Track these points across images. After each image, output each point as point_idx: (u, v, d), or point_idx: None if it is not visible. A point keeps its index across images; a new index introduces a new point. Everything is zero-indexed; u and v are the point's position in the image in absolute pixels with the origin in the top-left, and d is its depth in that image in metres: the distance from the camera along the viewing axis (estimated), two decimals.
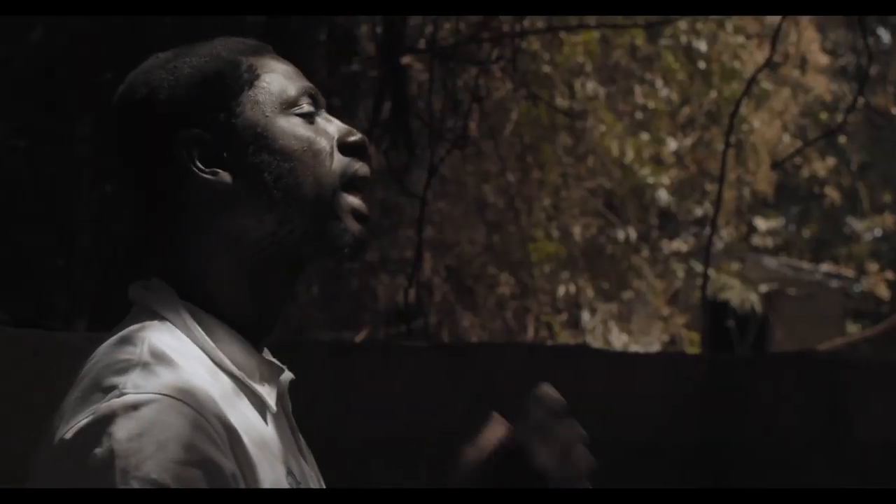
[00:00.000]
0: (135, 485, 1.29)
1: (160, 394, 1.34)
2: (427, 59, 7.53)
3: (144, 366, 1.37)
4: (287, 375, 1.59)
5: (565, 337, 11.08)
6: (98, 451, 1.30)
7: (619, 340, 11.75)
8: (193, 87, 1.52)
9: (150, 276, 1.55)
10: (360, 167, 1.56)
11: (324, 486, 1.64)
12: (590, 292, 11.64)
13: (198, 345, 1.46)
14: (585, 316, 11.79)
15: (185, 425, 1.33)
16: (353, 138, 1.56)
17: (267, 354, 1.59)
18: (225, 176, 1.50)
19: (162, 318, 1.47)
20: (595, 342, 11.24)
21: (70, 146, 6.30)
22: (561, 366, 5.14)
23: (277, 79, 1.55)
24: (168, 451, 1.30)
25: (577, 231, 11.25)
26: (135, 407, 1.32)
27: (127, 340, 1.43)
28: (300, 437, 1.63)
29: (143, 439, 1.30)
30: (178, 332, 1.46)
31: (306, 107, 1.55)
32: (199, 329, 1.47)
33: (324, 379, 5.02)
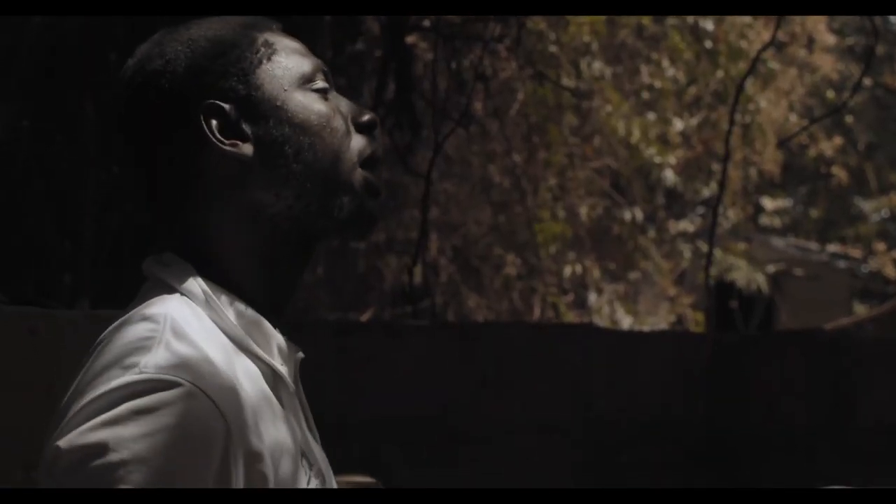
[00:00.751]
0: (124, 454, 1.28)
1: (181, 379, 1.32)
2: (432, 39, 7.51)
3: (167, 345, 1.35)
4: (300, 355, 1.58)
5: (571, 318, 11.08)
6: (104, 415, 1.29)
7: (625, 321, 11.75)
8: (213, 59, 1.50)
9: (161, 251, 1.52)
10: (377, 147, 1.55)
11: (328, 466, 1.61)
12: (596, 273, 11.64)
13: (217, 323, 1.44)
14: (592, 296, 11.78)
15: (197, 416, 1.31)
16: (366, 117, 1.55)
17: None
18: (246, 148, 1.48)
19: (181, 295, 1.44)
20: (601, 323, 11.24)
21: (75, 127, 6.29)
22: (566, 345, 5.14)
23: (293, 54, 1.53)
24: (168, 437, 1.29)
25: (583, 211, 11.23)
26: (153, 387, 1.30)
27: (148, 318, 1.40)
28: (310, 416, 1.61)
29: (149, 417, 1.29)
30: (198, 309, 1.43)
31: (321, 83, 1.53)
32: (219, 306, 1.45)
33: (329, 359, 5.02)
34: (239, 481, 1.34)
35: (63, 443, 1.31)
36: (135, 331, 1.39)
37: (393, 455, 4.86)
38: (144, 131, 1.51)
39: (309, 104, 1.51)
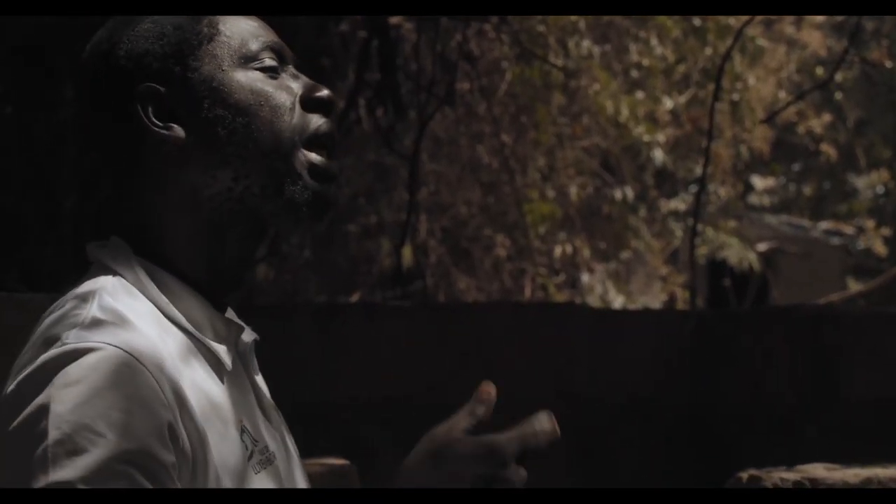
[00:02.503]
0: (66, 429, 1.27)
1: (104, 342, 1.32)
2: (416, 18, 7.49)
3: (93, 320, 1.36)
4: (250, 335, 1.57)
5: (562, 298, 11.07)
6: (37, 399, 1.29)
7: (616, 301, 11.75)
8: (151, 42, 1.50)
9: (108, 235, 1.53)
10: (323, 123, 1.52)
11: (291, 446, 1.62)
12: (587, 252, 11.63)
13: (151, 300, 1.44)
14: (584, 277, 11.78)
15: (124, 373, 1.31)
16: (317, 94, 1.53)
17: (230, 314, 1.57)
18: (178, 131, 1.48)
19: (116, 275, 1.45)
20: (593, 303, 11.23)
21: (57, 112, 6.28)
22: (548, 324, 5.13)
23: (238, 33, 1.52)
24: (105, 399, 1.28)
25: (573, 191, 11.22)
26: (75, 355, 1.31)
27: (79, 297, 1.41)
28: (264, 395, 1.60)
29: (80, 385, 1.28)
30: (132, 288, 1.44)
31: (268, 61, 1.52)
32: (153, 284, 1.45)
33: (312, 340, 5.02)
34: (180, 426, 1.35)
35: (4, 434, 1.31)
36: (63, 309, 1.40)
37: (374, 435, 4.85)
38: (92, 114, 1.52)
39: (247, 83, 1.49)
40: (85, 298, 1.40)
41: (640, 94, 11.52)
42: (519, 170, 10.78)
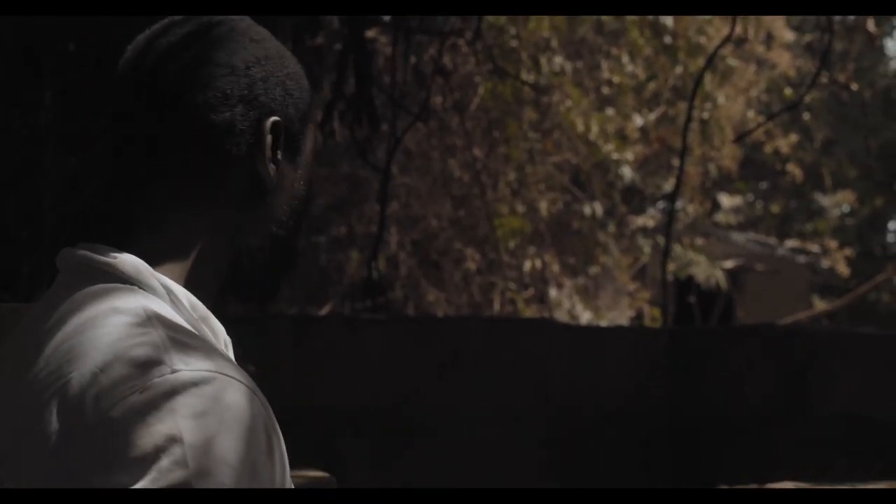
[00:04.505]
0: (205, 462, 1.24)
1: (214, 371, 1.29)
2: (391, 33, 7.52)
3: (173, 341, 1.32)
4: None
5: (531, 313, 11.11)
6: (161, 427, 1.24)
7: (584, 316, 11.79)
8: (296, 89, 1.49)
9: (92, 241, 1.47)
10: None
11: None
12: (556, 267, 11.68)
13: (182, 316, 1.41)
14: (552, 291, 11.83)
15: (244, 405, 1.29)
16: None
17: None
18: (275, 175, 1.48)
19: (144, 289, 1.40)
20: (561, 318, 11.28)
21: (34, 114, 6.27)
22: (525, 338, 5.17)
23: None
24: (234, 432, 1.26)
25: (543, 206, 11.28)
26: (195, 384, 1.27)
27: (126, 312, 1.35)
28: None
29: (208, 418, 1.26)
30: (164, 304, 1.40)
31: None
32: (182, 301, 1.42)
33: (287, 351, 5.03)
34: (284, 455, 1.35)
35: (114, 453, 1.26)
36: (117, 325, 1.34)
37: (349, 446, 4.87)
38: (172, 126, 1.46)
39: (299, 186, 1.54)
40: (138, 314, 1.35)
41: (610, 111, 11.59)
42: (490, 184, 10.83)
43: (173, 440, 1.25)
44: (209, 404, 1.27)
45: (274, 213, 1.49)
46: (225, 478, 1.25)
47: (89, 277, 1.41)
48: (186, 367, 1.29)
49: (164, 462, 1.24)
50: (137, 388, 1.27)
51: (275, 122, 1.46)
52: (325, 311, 10.50)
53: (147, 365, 1.29)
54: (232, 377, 1.30)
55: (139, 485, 1.24)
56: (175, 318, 1.37)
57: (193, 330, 1.40)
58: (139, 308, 1.36)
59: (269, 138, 1.46)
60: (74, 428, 1.28)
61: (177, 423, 1.25)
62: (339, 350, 5.07)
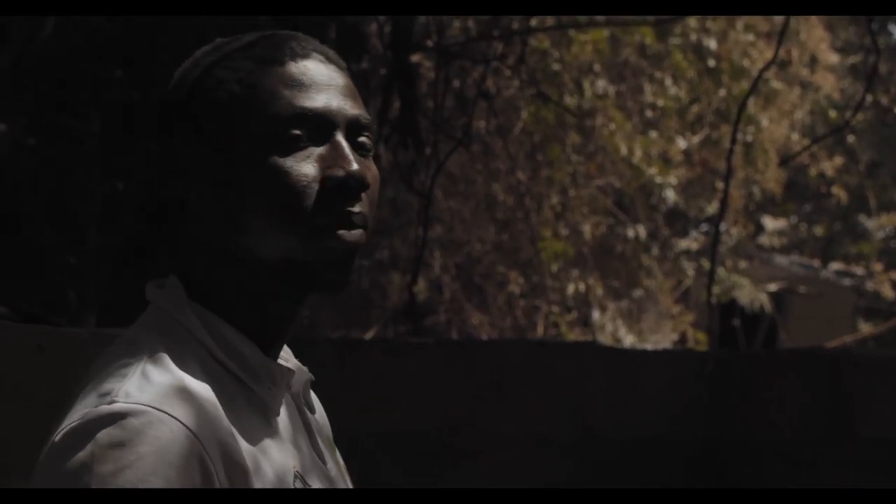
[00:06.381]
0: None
1: (148, 405, 1.33)
2: (435, 58, 7.56)
3: (142, 372, 1.37)
4: (303, 375, 1.58)
5: (574, 336, 11.10)
6: (80, 454, 1.31)
7: (627, 339, 11.77)
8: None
9: (166, 273, 1.52)
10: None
11: (347, 482, 1.63)
12: (599, 290, 11.66)
13: (206, 348, 1.44)
14: (595, 314, 11.81)
15: (169, 441, 1.32)
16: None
17: (284, 357, 1.58)
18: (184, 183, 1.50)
19: (170, 319, 1.46)
20: (604, 341, 11.26)
21: (79, 144, 6.33)
22: (566, 362, 5.16)
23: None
24: (146, 464, 1.30)
25: (586, 229, 11.27)
26: (121, 416, 1.32)
27: (132, 343, 1.43)
28: (321, 433, 1.61)
29: (123, 449, 1.30)
30: (185, 335, 1.44)
31: None
32: (205, 331, 1.45)
33: (332, 376, 5.05)
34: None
35: (43, 477, 1.35)
36: (119, 357, 1.42)
37: (393, 472, 4.88)
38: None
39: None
40: (140, 347, 1.41)
41: (653, 134, 11.58)
42: (533, 207, 10.84)
43: (86, 468, 1.30)
44: (128, 436, 1.31)
45: (246, 216, 1.45)
46: None
47: (150, 310, 1.49)
48: (125, 399, 1.34)
49: (75, 486, 1.30)
50: (81, 416, 1.35)
51: (161, 104, 1.52)
52: (369, 334, 10.52)
53: (104, 395, 1.36)
54: (167, 413, 1.33)
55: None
56: (175, 351, 1.41)
57: (214, 359, 1.44)
58: (144, 341, 1.43)
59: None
60: (45, 449, 1.37)
61: (93, 451, 1.31)
62: (383, 374, 5.08)
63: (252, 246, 1.46)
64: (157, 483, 1.30)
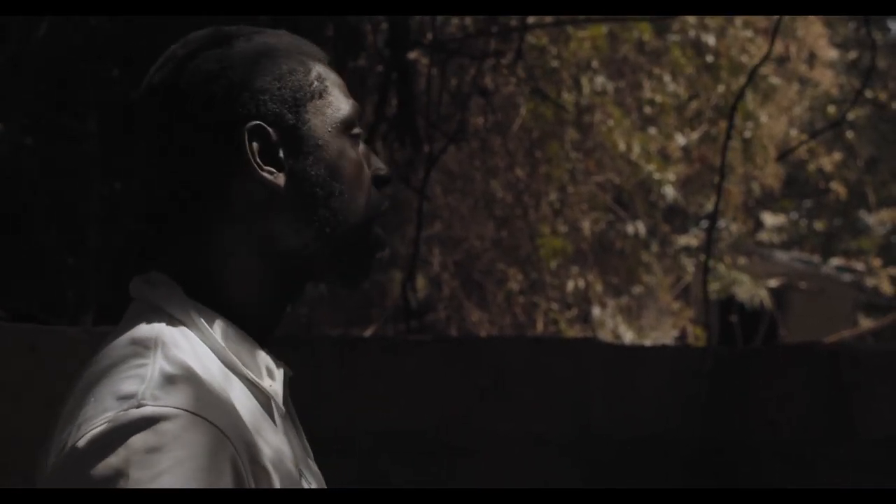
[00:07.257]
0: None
1: (181, 408, 1.30)
2: (432, 55, 7.55)
3: (162, 374, 1.33)
4: (287, 371, 1.55)
5: (574, 333, 11.10)
6: (113, 459, 1.27)
7: (627, 336, 11.77)
8: (269, 80, 1.45)
9: (148, 270, 1.49)
10: (387, 204, 1.54)
11: (322, 483, 1.60)
12: (599, 287, 11.66)
13: (209, 346, 1.42)
14: (595, 311, 11.81)
15: (205, 444, 1.29)
16: (384, 173, 1.53)
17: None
18: (280, 178, 1.44)
19: (171, 318, 1.42)
20: (604, 337, 11.26)
21: (79, 144, 6.33)
22: (564, 359, 5.16)
23: (340, 95, 1.49)
24: (185, 469, 1.27)
25: (585, 226, 11.27)
26: (155, 420, 1.28)
27: (139, 342, 1.38)
28: (303, 433, 1.60)
29: (160, 454, 1.27)
30: (189, 332, 1.41)
31: (357, 129, 1.50)
32: (210, 330, 1.43)
33: (330, 374, 5.05)
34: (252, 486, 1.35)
35: (67, 483, 1.29)
36: (127, 357, 1.37)
37: (391, 470, 4.88)
38: (172, 143, 1.45)
39: (346, 151, 1.48)
40: (147, 346, 1.37)
41: (652, 131, 11.58)
42: (532, 204, 10.84)
43: (120, 474, 1.26)
44: (164, 441, 1.28)
45: (309, 212, 1.45)
46: None
47: (138, 307, 1.46)
48: (154, 402, 1.30)
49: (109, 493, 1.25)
50: (106, 420, 1.30)
51: (252, 128, 1.43)
52: (369, 332, 10.52)
53: (125, 398, 1.31)
54: (198, 415, 1.30)
55: None
56: (184, 349, 1.39)
57: (217, 357, 1.42)
58: (151, 339, 1.39)
59: (254, 145, 1.43)
60: (57, 447, 1.33)
61: (128, 457, 1.27)
62: (381, 372, 5.08)
63: (312, 241, 1.47)
64: (196, 487, 1.27)
